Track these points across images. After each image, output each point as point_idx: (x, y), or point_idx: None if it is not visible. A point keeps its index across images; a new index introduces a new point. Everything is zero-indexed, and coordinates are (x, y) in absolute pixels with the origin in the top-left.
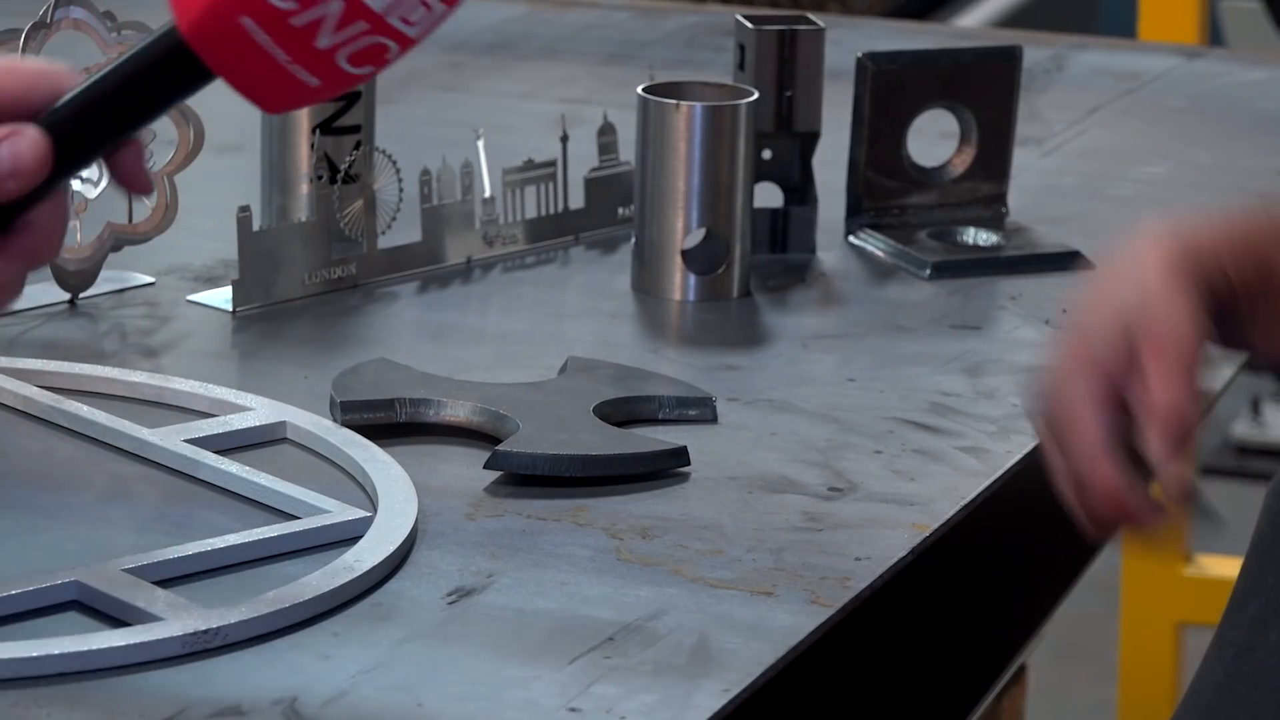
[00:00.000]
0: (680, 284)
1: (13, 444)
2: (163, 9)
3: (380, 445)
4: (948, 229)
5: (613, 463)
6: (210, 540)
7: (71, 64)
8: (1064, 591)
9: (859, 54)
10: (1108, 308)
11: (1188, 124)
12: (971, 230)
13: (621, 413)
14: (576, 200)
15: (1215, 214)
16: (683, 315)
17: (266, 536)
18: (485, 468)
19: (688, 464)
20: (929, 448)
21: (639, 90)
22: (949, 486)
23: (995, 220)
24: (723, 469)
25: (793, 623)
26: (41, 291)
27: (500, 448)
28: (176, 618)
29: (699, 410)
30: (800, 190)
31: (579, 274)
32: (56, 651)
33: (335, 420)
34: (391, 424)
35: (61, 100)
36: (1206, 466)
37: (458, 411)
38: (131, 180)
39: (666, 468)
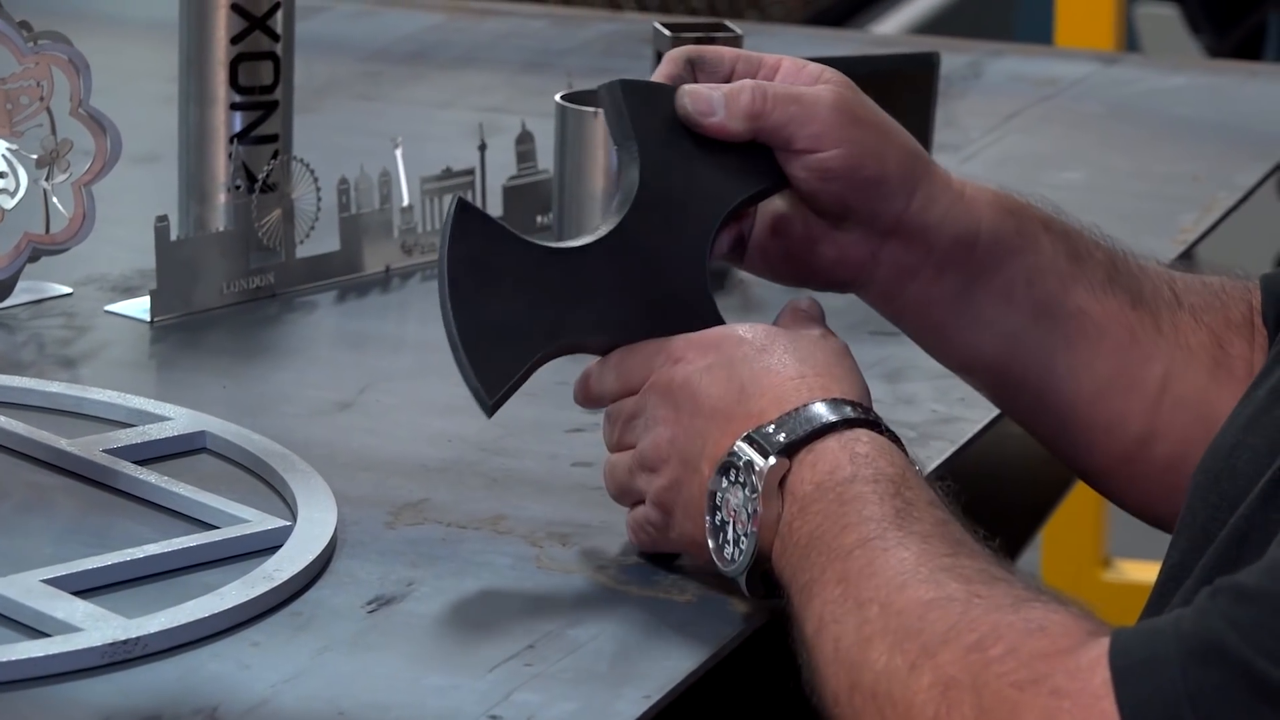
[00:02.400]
0: None
1: None
2: (76, 21)
3: (299, 454)
4: None
5: None
6: (129, 550)
7: None
8: None
9: None
10: None
11: (1105, 130)
12: None
13: None
14: (495, 208)
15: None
16: None
17: (186, 546)
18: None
19: None
20: None
21: (557, 98)
22: None
23: None
24: None
25: (714, 629)
26: None
27: None
28: (96, 628)
29: None
30: None
31: None
32: None
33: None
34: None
35: None
36: None
37: None
38: None
39: None
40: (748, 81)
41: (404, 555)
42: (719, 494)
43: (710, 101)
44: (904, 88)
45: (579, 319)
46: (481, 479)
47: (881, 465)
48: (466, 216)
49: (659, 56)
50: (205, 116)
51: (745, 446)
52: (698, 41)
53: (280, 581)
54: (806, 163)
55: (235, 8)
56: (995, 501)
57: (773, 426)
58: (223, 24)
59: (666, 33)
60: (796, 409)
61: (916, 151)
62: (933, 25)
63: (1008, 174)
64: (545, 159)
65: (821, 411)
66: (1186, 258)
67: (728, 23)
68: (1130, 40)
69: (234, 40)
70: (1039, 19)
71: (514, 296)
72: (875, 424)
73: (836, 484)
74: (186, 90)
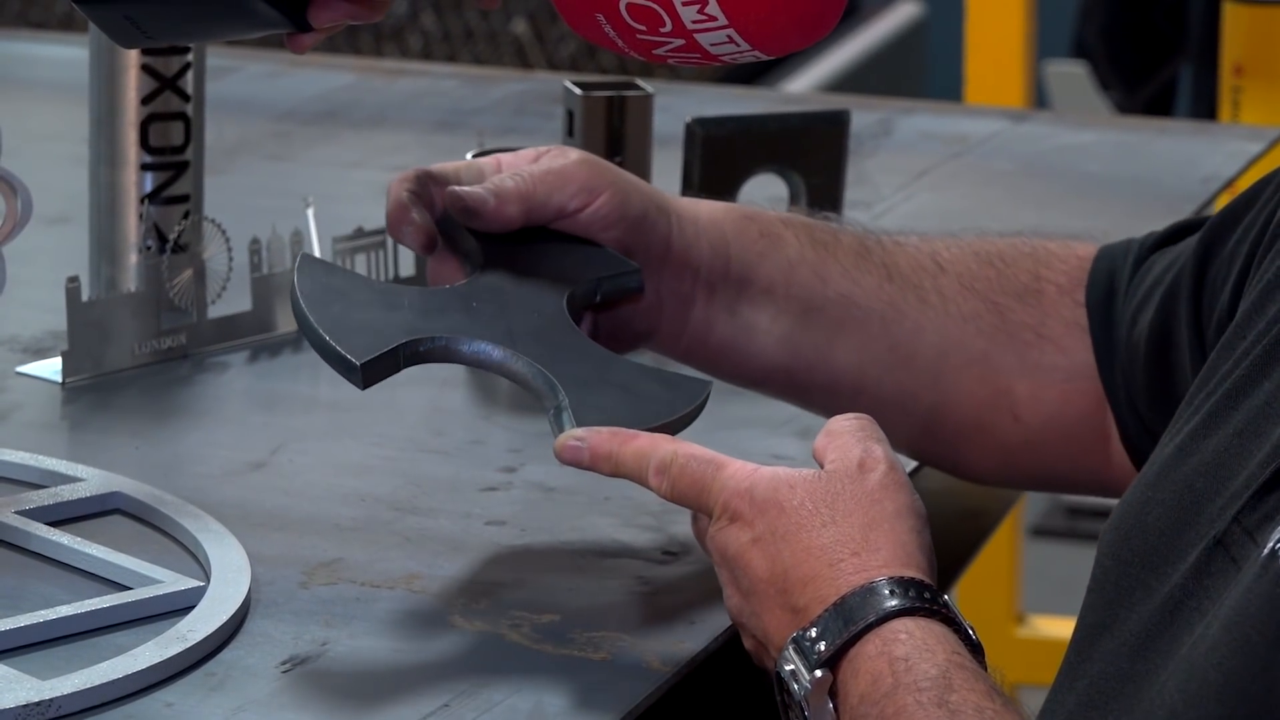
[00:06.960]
0: None
1: None
2: None
3: (212, 515)
4: None
5: None
6: (42, 612)
7: None
8: None
9: (688, 119)
10: None
11: (1015, 187)
12: None
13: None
14: (407, 268)
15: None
16: None
17: (99, 607)
18: None
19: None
20: None
21: (468, 157)
22: None
23: None
24: (556, 534)
25: (628, 687)
26: None
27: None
28: (9, 690)
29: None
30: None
31: None
32: None
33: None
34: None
35: None
36: (1038, 528)
37: None
38: None
39: None
40: (504, 174)
41: (318, 615)
42: (781, 682)
43: (481, 196)
44: (815, 145)
45: (436, 325)
46: (395, 538)
47: (923, 669)
48: (309, 263)
49: (570, 115)
50: (116, 177)
51: (793, 654)
52: (609, 100)
53: (194, 642)
54: (583, 220)
55: (146, 68)
56: None
57: (815, 631)
58: (133, 85)
59: (577, 91)
60: (834, 604)
61: (653, 186)
62: (844, 83)
63: (920, 230)
64: None
65: (856, 609)
66: None
67: (639, 81)
68: (1040, 97)
69: (144, 101)
70: (949, 76)
71: (367, 306)
72: (911, 609)
73: (880, 697)
74: (97, 151)
